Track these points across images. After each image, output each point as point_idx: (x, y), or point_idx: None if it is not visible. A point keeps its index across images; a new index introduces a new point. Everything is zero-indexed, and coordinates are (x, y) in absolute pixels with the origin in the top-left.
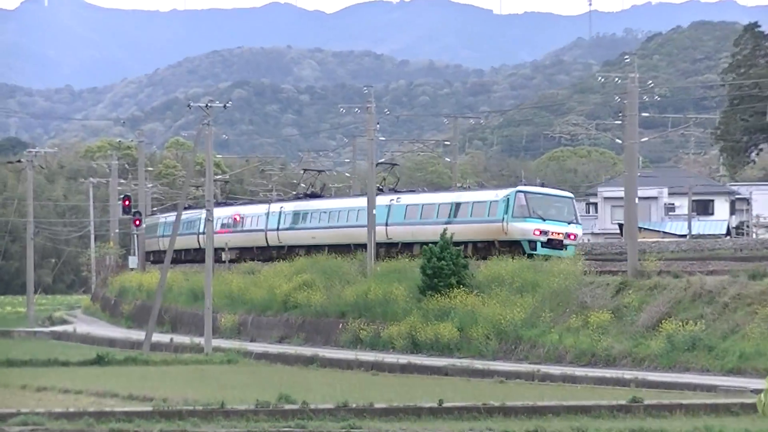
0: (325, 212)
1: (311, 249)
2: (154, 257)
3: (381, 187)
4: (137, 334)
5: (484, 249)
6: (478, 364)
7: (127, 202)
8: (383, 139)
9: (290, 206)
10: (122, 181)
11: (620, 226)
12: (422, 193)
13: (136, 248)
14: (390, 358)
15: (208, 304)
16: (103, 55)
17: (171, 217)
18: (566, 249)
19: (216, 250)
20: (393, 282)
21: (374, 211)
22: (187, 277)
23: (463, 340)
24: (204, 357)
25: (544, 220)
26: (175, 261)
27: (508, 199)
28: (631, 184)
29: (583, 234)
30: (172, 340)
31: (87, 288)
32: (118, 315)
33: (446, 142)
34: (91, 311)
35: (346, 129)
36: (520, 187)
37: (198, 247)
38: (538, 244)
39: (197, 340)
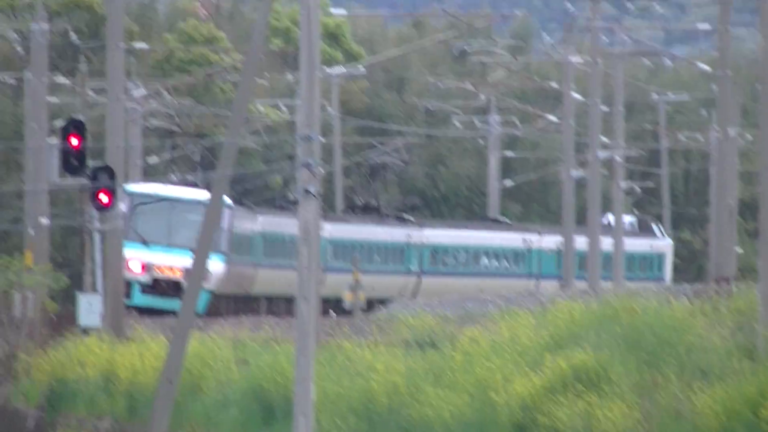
0: None
1: None
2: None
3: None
4: None
5: None
6: None
7: (74, 141)
8: None
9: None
10: (63, 81)
11: None
12: None
13: (99, 272)
14: None
15: None
16: None
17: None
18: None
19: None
20: None
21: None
22: (244, 351)
23: None
24: None
25: (147, 244)
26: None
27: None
28: None
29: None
30: None
31: None
32: None
33: None
34: None
35: None
36: (129, 185)
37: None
38: (135, 289)
39: None
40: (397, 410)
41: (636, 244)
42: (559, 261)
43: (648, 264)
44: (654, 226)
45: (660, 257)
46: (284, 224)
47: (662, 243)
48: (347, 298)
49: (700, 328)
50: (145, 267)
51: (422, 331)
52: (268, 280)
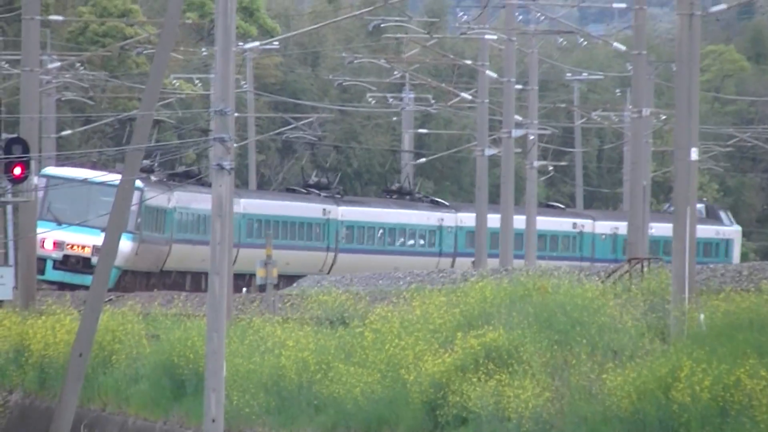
0: None
1: None
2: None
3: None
4: None
5: None
6: None
7: None
8: None
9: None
10: None
11: None
12: None
13: (11, 245)
14: None
15: (214, 413)
16: None
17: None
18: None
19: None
20: (741, 355)
21: None
22: (156, 324)
23: None
24: None
25: (60, 223)
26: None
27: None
28: None
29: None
30: None
31: None
32: None
33: None
34: None
35: None
36: (48, 169)
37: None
38: (48, 265)
39: None
40: (307, 387)
41: (701, 230)
42: (616, 244)
43: (714, 249)
44: (722, 213)
45: (728, 243)
46: (199, 200)
47: (730, 229)
48: (259, 273)
49: (611, 309)
50: (57, 244)
51: (333, 308)
52: (181, 255)
